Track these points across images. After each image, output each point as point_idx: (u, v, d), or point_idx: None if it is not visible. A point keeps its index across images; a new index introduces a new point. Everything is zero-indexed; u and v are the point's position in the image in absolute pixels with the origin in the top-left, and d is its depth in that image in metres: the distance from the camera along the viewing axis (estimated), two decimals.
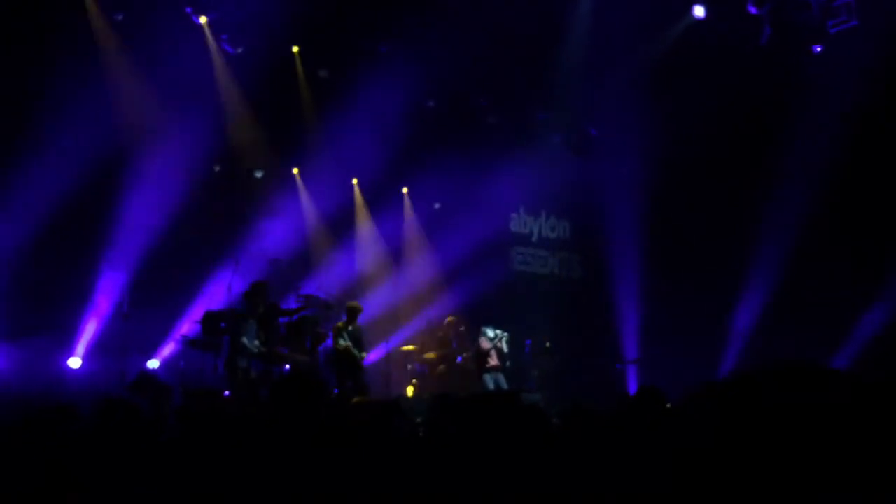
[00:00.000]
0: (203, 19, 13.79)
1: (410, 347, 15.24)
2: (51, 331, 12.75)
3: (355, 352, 12.26)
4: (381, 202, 16.37)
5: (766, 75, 14.55)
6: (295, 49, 15.10)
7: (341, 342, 12.23)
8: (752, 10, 13.43)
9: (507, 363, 14.13)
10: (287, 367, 12.21)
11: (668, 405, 5.44)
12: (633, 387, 15.85)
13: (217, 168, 15.01)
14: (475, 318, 15.12)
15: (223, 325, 11.93)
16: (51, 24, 12.40)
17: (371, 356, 14.52)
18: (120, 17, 13.00)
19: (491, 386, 13.46)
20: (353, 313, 12.55)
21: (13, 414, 4.66)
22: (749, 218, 15.51)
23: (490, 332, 14.03)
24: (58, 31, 12.35)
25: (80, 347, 13.03)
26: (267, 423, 3.94)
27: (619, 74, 15.18)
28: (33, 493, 3.67)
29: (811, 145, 14.47)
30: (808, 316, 14.00)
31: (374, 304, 15.20)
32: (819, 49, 13.92)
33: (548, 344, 15.77)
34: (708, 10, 13.69)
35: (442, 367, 14.81)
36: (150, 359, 13.39)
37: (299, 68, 15.19)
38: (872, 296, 14.42)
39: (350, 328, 12.41)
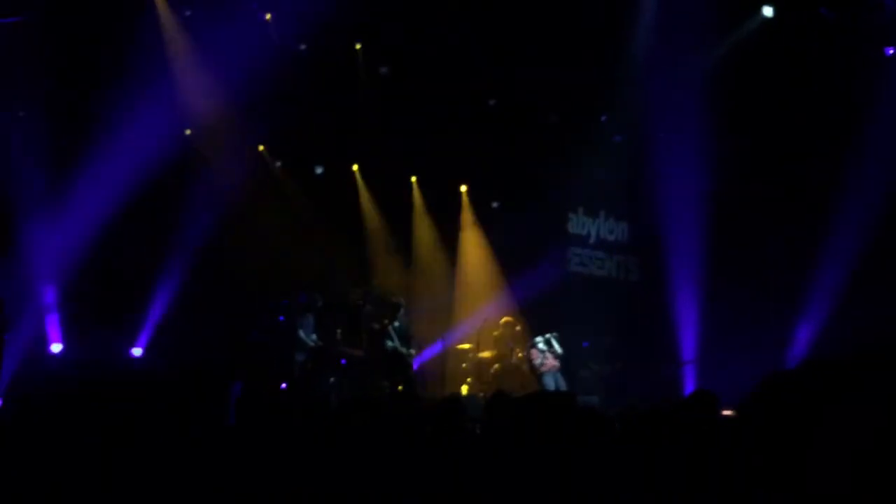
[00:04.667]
0: (268, 16, 13.95)
1: (466, 346, 15.22)
2: (118, 321, 13.04)
3: (403, 350, 12.25)
4: (440, 200, 16.38)
5: (836, 76, 14.22)
6: (357, 46, 15.19)
7: (389, 343, 12.22)
8: (824, 11, 13.15)
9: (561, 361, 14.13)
10: (343, 361, 12.33)
11: (724, 411, 5.35)
12: (688, 390, 15.62)
13: (278, 164, 15.19)
14: (531, 318, 15.06)
15: (282, 318, 12.07)
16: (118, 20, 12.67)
17: (427, 353, 14.56)
18: (188, 13, 13.22)
19: (552, 386, 13.44)
20: (394, 310, 12.56)
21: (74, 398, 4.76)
22: (815, 219, 15.18)
23: (541, 344, 14.01)
24: (126, 28, 12.61)
25: (143, 337, 13.30)
26: (329, 418, 3.97)
27: (682, 74, 14.97)
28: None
29: (882, 147, 14.11)
30: (877, 320, 13.60)
31: (430, 301, 15.23)
32: (892, 51, 13.58)
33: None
34: (777, 11, 13.41)
35: (497, 366, 14.77)
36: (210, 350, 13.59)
37: (361, 65, 15.27)
38: None
39: (396, 324, 12.40)
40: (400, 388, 12.13)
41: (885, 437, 1.52)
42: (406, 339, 12.47)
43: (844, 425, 1.58)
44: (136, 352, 13.20)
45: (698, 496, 3.49)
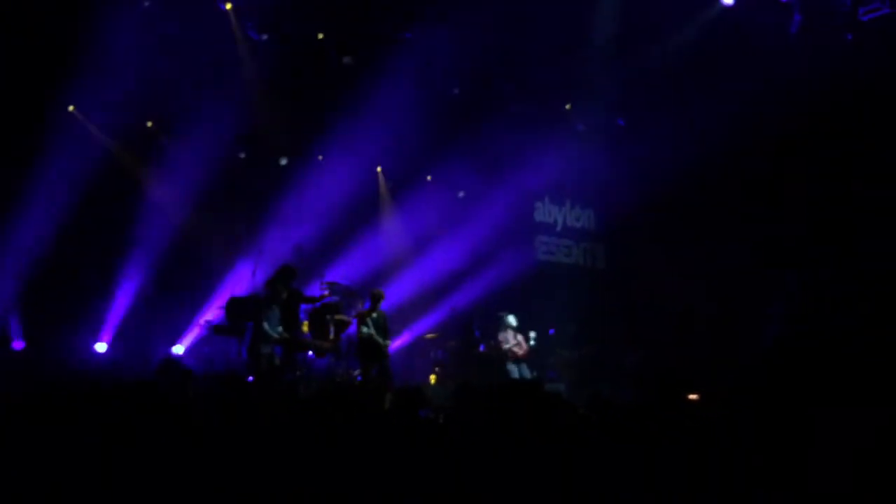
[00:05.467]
0: (228, 6, 13.79)
1: (433, 335, 15.22)
2: (77, 316, 12.89)
3: (379, 339, 12.28)
4: (406, 190, 16.35)
5: (796, 63, 14.34)
6: (319, 36, 15.06)
7: (364, 330, 12.27)
8: None
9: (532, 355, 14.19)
10: (310, 353, 12.28)
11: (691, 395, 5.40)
12: (650, 376, 15.73)
13: (242, 155, 15.05)
14: (499, 307, 15.09)
15: (247, 310, 11.98)
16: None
17: (395, 344, 14.54)
18: (147, 4, 13.02)
19: (515, 375, 13.47)
20: (376, 300, 12.59)
21: (37, 395, 4.69)
22: (777, 205, 15.34)
23: (512, 321, 14.00)
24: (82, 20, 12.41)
25: (106, 332, 13.17)
26: (290, 409, 3.95)
27: (646, 62, 15.03)
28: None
29: (844, 133, 14.28)
30: (841, 297, 13.75)
31: (397, 291, 15.21)
32: (851, 37, 13.70)
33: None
34: None
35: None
36: (174, 344, 13.50)
37: (324, 55, 15.14)
38: None
39: (374, 315, 12.44)
40: (373, 374, 12.13)
41: (886, 437, 1.53)
42: (383, 329, 12.46)
43: (845, 425, 1.59)
44: (101, 347, 13.06)
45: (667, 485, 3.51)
